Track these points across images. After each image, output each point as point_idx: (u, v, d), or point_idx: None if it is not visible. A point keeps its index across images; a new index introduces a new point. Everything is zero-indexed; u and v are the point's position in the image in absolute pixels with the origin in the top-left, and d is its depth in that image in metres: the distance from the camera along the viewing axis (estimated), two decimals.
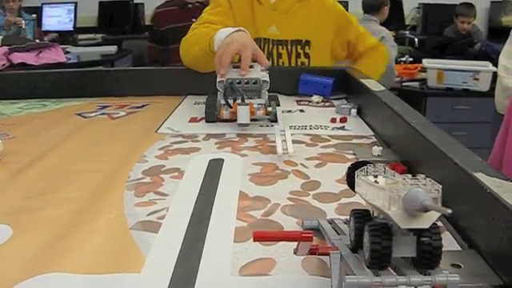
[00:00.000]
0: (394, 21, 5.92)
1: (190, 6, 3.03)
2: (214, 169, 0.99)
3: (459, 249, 0.69)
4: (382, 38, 3.77)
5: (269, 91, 1.35)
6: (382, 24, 4.02)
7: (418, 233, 0.45)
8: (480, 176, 0.69)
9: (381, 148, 1.07)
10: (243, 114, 1.26)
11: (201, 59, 1.58)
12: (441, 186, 0.43)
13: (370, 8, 4.10)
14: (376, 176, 0.51)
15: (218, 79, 1.33)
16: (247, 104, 1.26)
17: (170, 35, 2.95)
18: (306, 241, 0.51)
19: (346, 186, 0.85)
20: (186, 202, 0.83)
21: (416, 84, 3.81)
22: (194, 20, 2.12)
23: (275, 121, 1.33)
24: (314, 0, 1.79)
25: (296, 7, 1.77)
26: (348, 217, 0.66)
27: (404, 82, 3.86)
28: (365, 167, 0.52)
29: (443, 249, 0.66)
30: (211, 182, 0.92)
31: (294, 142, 1.17)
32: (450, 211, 0.39)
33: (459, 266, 0.62)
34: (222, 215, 0.79)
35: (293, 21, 1.76)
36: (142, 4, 6.15)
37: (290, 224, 0.76)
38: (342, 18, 1.82)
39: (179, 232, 0.73)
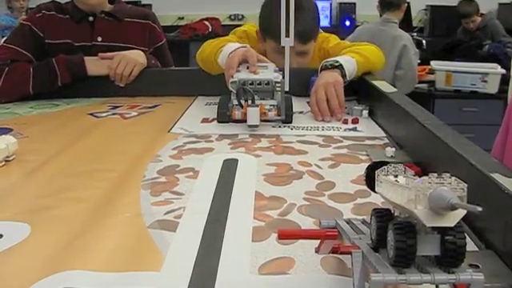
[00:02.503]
0: (402, 22, 5.92)
1: (90, 19, 1.85)
2: (229, 169, 1.00)
3: (476, 249, 0.69)
4: (403, 47, 3.65)
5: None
6: None
7: (442, 231, 0.46)
8: (497, 177, 0.69)
9: (394, 149, 1.08)
10: (253, 116, 1.26)
11: (207, 60, 1.65)
12: (466, 185, 0.43)
13: (388, 5, 3.91)
14: (396, 176, 0.52)
15: (230, 80, 1.34)
16: (257, 105, 1.27)
17: (60, 53, 1.75)
18: (331, 239, 0.52)
19: (361, 187, 0.86)
20: (203, 201, 0.84)
21: (424, 86, 3.80)
22: (99, 39, 1.84)
23: (288, 122, 1.34)
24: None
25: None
26: (365, 217, 0.67)
27: None
28: (385, 167, 0.53)
29: None
30: (226, 181, 0.93)
31: (307, 142, 1.18)
32: (480, 209, 0.39)
33: (477, 267, 0.62)
34: (238, 215, 0.79)
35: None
36: (150, 5, 6.15)
37: (307, 224, 0.76)
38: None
39: (197, 231, 0.73)
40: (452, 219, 0.43)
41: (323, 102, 1.42)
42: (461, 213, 0.43)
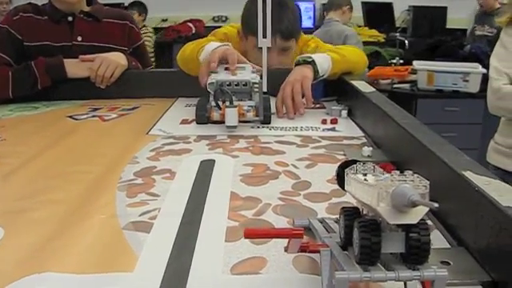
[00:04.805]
0: (385, 23, 5.96)
1: (70, 18, 1.84)
2: (206, 170, 1.00)
3: (448, 246, 0.70)
4: (345, 37, 3.87)
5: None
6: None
7: (407, 229, 0.46)
8: (468, 174, 0.70)
9: (371, 148, 1.08)
10: (231, 116, 1.26)
11: (189, 59, 1.65)
12: (428, 182, 0.44)
13: (330, 5, 4.25)
14: (365, 174, 0.52)
15: (208, 81, 1.34)
16: (235, 106, 1.27)
17: (39, 55, 1.74)
18: (297, 237, 0.52)
19: (336, 186, 0.86)
20: (178, 202, 0.84)
21: (406, 86, 3.82)
22: (79, 39, 1.84)
23: (267, 122, 1.34)
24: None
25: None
26: (338, 216, 0.67)
27: (394, 83, 3.87)
28: (354, 166, 0.53)
29: (433, 246, 0.67)
30: (202, 182, 0.93)
31: (285, 143, 1.19)
32: (436, 205, 0.40)
33: (448, 263, 0.63)
34: (213, 215, 0.79)
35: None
36: None
37: (281, 223, 0.76)
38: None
39: (171, 232, 0.73)
40: (414, 216, 0.43)
41: (288, 98, 1.43)
42: (423, 210, 0.43)
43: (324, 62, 1.52)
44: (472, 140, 3.44)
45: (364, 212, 0.52)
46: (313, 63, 1.48)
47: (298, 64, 1.51)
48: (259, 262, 0.65)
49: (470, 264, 0.64)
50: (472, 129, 3.60)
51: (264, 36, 1.37)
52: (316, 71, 1.48)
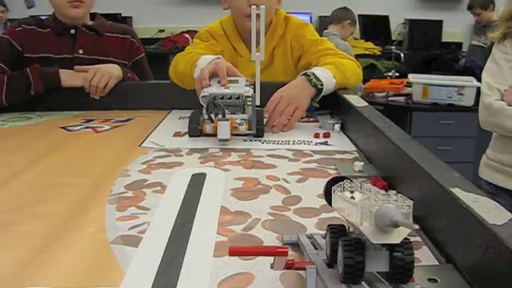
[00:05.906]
0: (381, 36, 5.99)
1: (72, 31, 1.88)
2: (196, 183, 0.99)
3: (437, 263, 0.70)
4: None
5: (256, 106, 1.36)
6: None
7: (391, 248, 0.46)
8: (456, 191, 0.70)
9: (362, 163, 1.08)
10: (223, 130, 1.26)
11: (183, 76, 1.65)
12: (412, 202, 0.44)
13: (331, 19, 4.35)
14: (352, 192, 0.52)
15: (201, 94, 1.34)
16: (228, 119, 1.27)
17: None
18: (281, 255, 0.52)
19: None
20: (168, 216, 0.83)
21: (402, 99, 3.83)
22: (80, 52, 1.87)
23: (259, 136, 1.34)
24: (281, 45, 1.80)
25: (272, 58, 1.79)
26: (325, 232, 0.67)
27: (390, 96, 3.88)
28: (342, 183, 0.53)
29: (421, 264, 0.67)
30: (193, 196, 0.92)
31: (276, 156, 1.19)
32: (417, 227, 0.40)
33: (436, 281, 0.62)
34: (202, 230, 0.79)
35: (270, 71, 1.78)
36: (131, 17, 6.16)
37: (270, 239, 0.76)
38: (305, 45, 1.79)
39: (159, 246, 0.73)
40: (397, 236, 0.43)
41: (278, 114, 1.44)
42: (406, 230, 0.43)
43: (329, 86, 1.52)
44: (467, 153, 3.45)
45: (351, 229, 0.52)
46: (319, 93, 1.50)
47: (308, 80, 1.50)
48: (247, 277, 0.65)
49: (458, 281, 0.64)
50: (467, 142, 3.61)
51: (257, 50, 1.38)
52: (317, 94, 1.50)
